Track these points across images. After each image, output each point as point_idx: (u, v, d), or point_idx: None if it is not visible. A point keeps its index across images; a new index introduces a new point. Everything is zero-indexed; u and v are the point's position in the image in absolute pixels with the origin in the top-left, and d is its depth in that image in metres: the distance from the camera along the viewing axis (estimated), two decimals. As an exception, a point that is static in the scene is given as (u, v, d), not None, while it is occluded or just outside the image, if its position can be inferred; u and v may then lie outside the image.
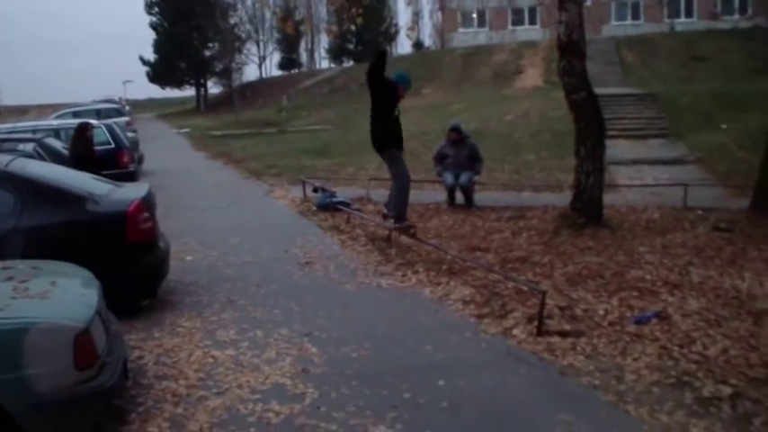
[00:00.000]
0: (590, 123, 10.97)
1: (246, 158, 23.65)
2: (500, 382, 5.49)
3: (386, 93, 9.69)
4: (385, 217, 10.42)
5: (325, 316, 7.13)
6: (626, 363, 5.77)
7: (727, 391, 5.17)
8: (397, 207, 9.91)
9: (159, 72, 66.79)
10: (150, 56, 66.87)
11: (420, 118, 26.96)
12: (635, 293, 7.53)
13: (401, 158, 10.00)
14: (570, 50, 10.85)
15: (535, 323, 6.53)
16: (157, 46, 65.91)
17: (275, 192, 16.22)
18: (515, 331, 6.55)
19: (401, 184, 9.90)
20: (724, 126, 22.16)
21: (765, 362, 5.64)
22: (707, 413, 4.87)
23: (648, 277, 8.16)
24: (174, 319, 7.14)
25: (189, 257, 9.80)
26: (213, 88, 72.33)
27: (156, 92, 75.32)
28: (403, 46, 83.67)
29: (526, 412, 4.95)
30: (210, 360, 6.03)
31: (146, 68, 67.40)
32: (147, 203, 7.50)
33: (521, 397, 5.22)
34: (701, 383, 5.32)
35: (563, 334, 6.39)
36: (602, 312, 6.95)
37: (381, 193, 14.82)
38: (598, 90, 12.15)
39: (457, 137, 13.50)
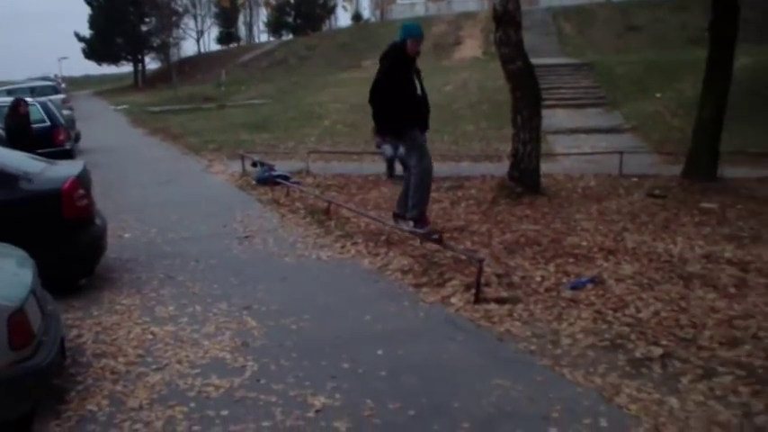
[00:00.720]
0: (526, 93, 11.08)
1: (185, 134, 23.44)
2: (438, 349, 5.55)
3: (397, 72, 7.91)
4: (397, 217, 8.60)
5: (265, 289, 7.14)
6: (562, 327, 5.89)
7: (658, 351, 5.32)
8: (417, 206, 8.10)
9: (95, 48, 65.17)
10: (86, 31, 65.35)
11: (360, 90, 26.81)
12: (571, 260, 7.68)
13: (424, 146, 8.17)
14: (506, 21, 10.92)
15: (473, 291, 6.61)
16: (93, 21, 64.20)
17: (214, 167, 16.11)
18: (453, 299, 6.63)
19: (421, 179, 8.05)
20: (658, 95, 22.56)
21: (694, 323, 5.82)
22: (639, 374, 5.00)
23: (584, 243, 8.32)
24: (113, 297, 7.08)
25: (127, 234, 9.71)
26: (151, 64, 71.46)
27: (92, 68, 74.04)
28: (342, 19, 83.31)
29: (464, 378, 5.02)
30: (150, 336, 6.00)
31: (81, 45, 65.85)
32: (83, 181, 7.39)
33: (459, 364, 5.29)
34: (634, 345, 5.47)
35: (500, 301, 6.48)
36: (538, 279, 7.07)
37: (320, 166, 14.90)
38: (535, 60, 12.27)
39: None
